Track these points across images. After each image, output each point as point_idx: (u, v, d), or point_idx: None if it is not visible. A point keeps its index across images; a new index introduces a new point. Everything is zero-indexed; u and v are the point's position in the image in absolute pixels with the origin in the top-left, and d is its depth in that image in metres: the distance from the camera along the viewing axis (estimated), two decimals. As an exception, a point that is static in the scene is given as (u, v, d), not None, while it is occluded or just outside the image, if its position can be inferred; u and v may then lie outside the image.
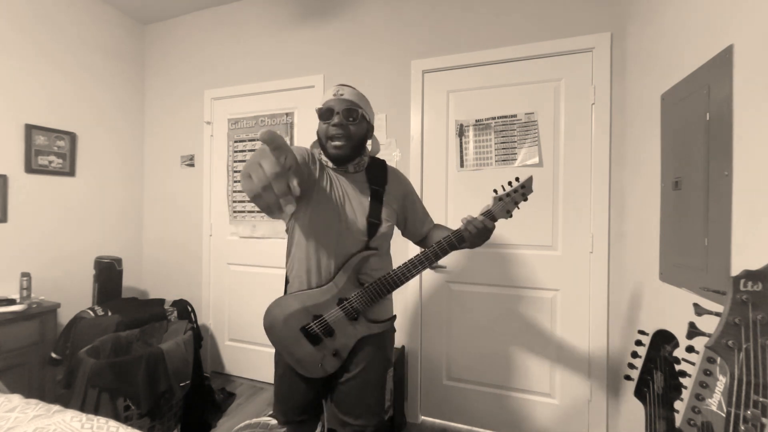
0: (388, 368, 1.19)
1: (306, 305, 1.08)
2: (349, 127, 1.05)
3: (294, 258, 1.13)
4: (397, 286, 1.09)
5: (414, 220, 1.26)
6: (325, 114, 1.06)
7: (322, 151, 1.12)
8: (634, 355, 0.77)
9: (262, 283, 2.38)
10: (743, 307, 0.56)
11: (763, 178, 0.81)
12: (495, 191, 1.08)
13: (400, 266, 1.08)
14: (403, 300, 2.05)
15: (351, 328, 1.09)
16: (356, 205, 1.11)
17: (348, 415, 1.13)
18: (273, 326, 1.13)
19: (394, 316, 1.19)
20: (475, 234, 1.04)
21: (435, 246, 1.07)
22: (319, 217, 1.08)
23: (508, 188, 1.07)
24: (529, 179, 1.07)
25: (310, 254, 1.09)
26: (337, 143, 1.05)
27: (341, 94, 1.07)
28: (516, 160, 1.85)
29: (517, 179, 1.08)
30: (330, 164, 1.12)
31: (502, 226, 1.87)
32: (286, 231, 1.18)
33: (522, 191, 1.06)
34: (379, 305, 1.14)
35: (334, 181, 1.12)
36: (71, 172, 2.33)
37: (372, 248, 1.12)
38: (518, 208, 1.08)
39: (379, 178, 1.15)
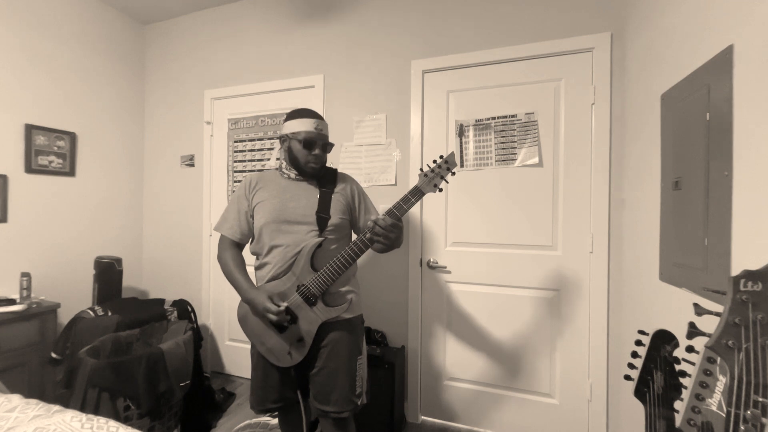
0: (357, 356, 1.30)
1: (271, 295, 1.21)
2: (323, 155, 1.31)
3: (258, 255, 1.33)
4: (345, 268, 1.20)
5: (362, 214, 1.39)
6: (308, 145, 1.27)
7: (290, 165, 1.32)
8: (634, 355, 0.77)
9: (262, 283, 2.37)
10: (743, 307, 0.56)
11: (763, 178, 0.81)
12: (421, 169, 1.21)
13: (341, 253, 1.20)
14: (404, 300, 2.05)
15: (311, 313, 1.22)
16: (306, 204, 1.28)
17: (324, 404, 1.24)
18: (246, 317, 1.30)
19: (350, 300, 1.28)
20: (383, 234, 1.14)
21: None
22: (271, 218, 1.26)
23: (432, 165, 1.18)
24: (451, 154, 1.18)
25: (270, 250, 1.27)
26: (313, 166, 1.29)
27: (320, 129, 1.29)
28: (516, 160, 1.85)
29: (441, 156, 1.19)
30: (293, 175, 1.32)
31: (502, 226, 1.88)
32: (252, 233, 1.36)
33: (446, 165, 1.17)
34: (335, 289, 1.26)
35: (284, 188, 1.31)
36: (71, 172, 2.33)
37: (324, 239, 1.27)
38: (447, 182, 1.20)
39: (329, 181, 1.34)
